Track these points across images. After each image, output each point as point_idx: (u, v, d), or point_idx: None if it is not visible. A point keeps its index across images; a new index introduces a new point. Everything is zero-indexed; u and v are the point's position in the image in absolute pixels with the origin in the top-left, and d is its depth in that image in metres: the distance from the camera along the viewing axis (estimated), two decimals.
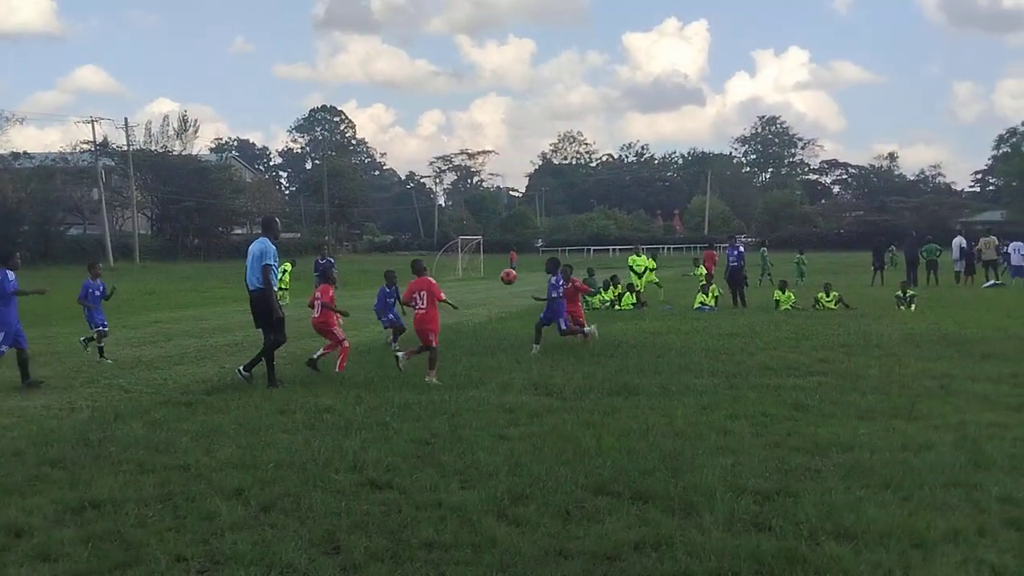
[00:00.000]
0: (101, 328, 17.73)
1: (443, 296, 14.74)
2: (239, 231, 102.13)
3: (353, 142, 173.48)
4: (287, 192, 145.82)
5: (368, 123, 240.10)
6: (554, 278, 17.64)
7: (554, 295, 17.82)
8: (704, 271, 33.07)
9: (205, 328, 24.29)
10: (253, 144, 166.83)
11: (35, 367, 16.42)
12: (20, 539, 6.84)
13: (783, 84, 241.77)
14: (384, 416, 11.22)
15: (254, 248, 13.92)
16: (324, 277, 19.70)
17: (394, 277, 18.03)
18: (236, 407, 12.04)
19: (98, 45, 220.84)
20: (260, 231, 14.92)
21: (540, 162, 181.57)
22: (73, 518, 7.34)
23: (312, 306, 15.73)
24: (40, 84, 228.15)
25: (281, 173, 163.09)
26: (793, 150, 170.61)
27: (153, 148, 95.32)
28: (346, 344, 15.67)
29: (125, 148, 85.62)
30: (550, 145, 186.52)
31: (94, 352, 17.57)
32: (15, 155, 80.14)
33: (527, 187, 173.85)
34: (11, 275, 14.44)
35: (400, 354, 14.68)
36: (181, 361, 17.41)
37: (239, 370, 14.13)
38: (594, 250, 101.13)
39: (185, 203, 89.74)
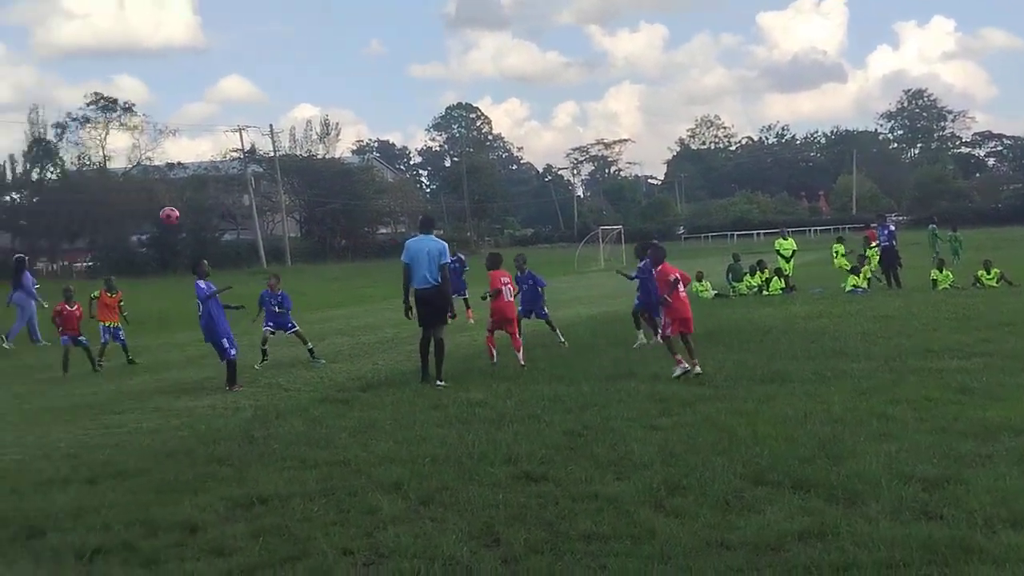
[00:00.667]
0: (290, 328, 17.97)
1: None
2: (384, 231, 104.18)
3: (489, 138, 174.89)
4: (428, 190, 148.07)
5: (503, 118, 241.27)
6: (642, 262, 17.01)
7: (633, 275, 17.38)
8: (844, 250, 32.51)
9: (356, 326, 24.87)
10: (393, 144, 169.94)
11: (198, 370, 17.18)
12: (194, 534, 7.13)
13: (928, 55, 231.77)
14: (535, 409, 11.27)
15: (430, 247, 13.90)
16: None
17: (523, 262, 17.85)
18: (391, 403, 12.29)
19: (240, 56, 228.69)
20: (418, 230, 15.04)
21: (678, 148, 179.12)
22: (243, 513, 7.62)
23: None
24: (189, 96, 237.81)
25: (421, 172, 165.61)
26: (943, 123, 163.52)
27: (298, 153, 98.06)
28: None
29: (272, 154, 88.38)
30: (687, 130, 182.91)
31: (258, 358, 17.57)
32: (170, 165, 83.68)
33: (665, 174, 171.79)
34: (202, 283, 14.90)
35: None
36: (336, 359, 17.87)
37: (438, 383, 13.66)
38: (738, 235, 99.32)
39: (331, 205, 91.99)
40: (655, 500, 7.35)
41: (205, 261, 15.72)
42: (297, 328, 17.87)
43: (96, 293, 19.32)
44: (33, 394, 15.42)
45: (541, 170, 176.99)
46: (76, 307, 18.47)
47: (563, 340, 17.13)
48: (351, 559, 6.46)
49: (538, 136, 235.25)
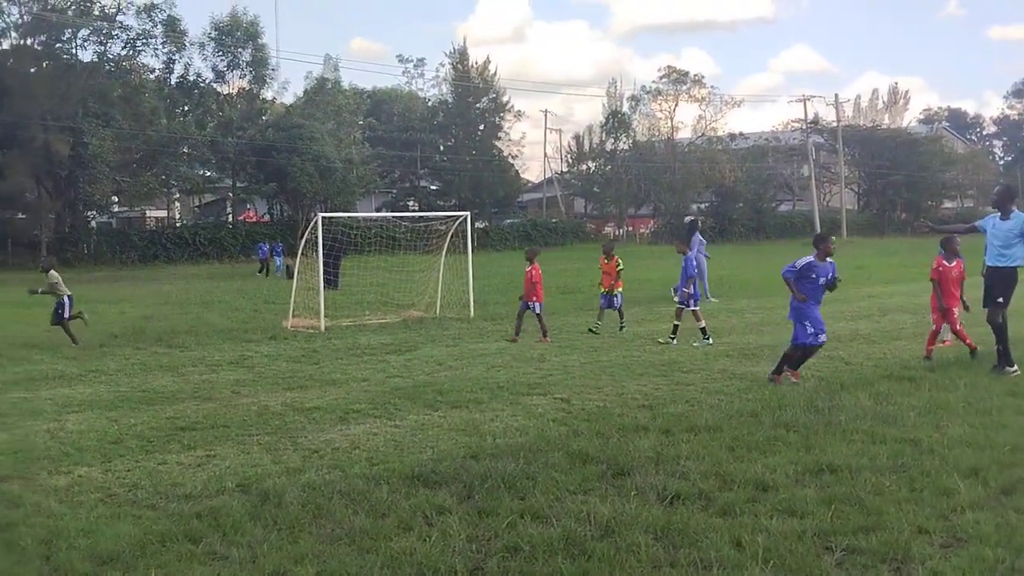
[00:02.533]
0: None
1: None
2: (949, 205, 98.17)
3: None
4: (1001, 162, 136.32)
5: None
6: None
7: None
8: None
9: (919, 304, 23.69)
10: (965, 113, 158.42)
11: (758, 335, 17.58)
12: (766, 492, 7.40)
13: None
14: None
15: (1013, 225, 12.74)
16: None
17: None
18: (963, 386, 11.68)
19: (808, 26, 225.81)
20: (993, 204, 13.67)
21: None
22: (812, 479, 7.75)
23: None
24: (754, 67, 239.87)
25: (995, 142, 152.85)
26: None
27: (862, 123, 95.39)
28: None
29: (834, 124, 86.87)
30: None
31: None
32: (732, 136, 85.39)
33: None
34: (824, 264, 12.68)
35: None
36: (898, 336, 17.34)
37: (1007, 369, 12.61)
38: None
39: (892, 177, 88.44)
40: None
41: (832, 238, 13.36)
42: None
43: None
44: (605, 348, 16.74)
45: None
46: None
47: None
48: (927, 538, 6.33)
49: None
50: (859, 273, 34.96)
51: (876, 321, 20.07)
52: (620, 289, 19.62)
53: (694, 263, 17.80)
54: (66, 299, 18.12)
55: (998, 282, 12.84)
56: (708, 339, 16.81)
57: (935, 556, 6.02)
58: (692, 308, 17.22)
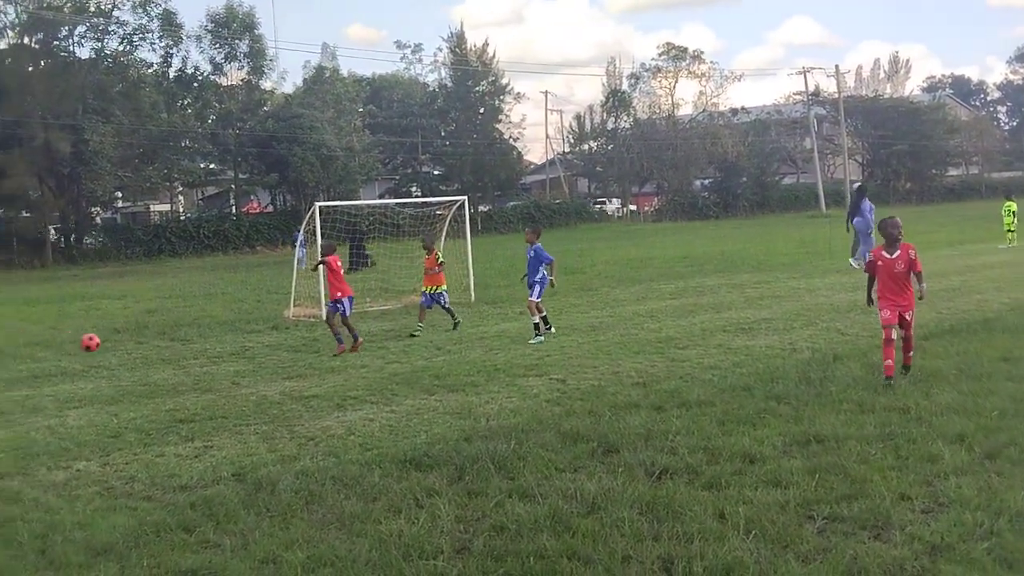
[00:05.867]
0: None
1: None
2: (953, 172, 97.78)
3: None
4: (1006, 128, 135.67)
5: None
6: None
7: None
8: None
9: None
10: (968, 80, 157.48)
11: (756, 310, 17.64)
12: (752, 465, 7.49)
13: None
14: None
15: None
16: None
17: None
18: (955, 353, 11.74)
19: None
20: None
21: None
22: (799, 450, 7.84)
23: None
24: (753, 40, 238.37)
25: (999, 108, 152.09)
26: None
27: (864, 93, 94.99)
28: None
29: (835, 96, 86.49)
30: None
31: None
32: (733, 111, 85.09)
33: None
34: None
35: None
36: None
37: None
38: None
39: (896, 147, 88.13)
40: None
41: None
42: None
43: None
44: (604, 328, 16.79)
45: None
46: None
47: None
48: (908, 504, 6.41)
49: None
50: None
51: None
52: (444, 287, 17.92)
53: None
54: None
55: None
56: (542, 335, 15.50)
57: (916, 521, 6.12)
58: None
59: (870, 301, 11.26)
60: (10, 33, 52.47)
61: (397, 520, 6.59)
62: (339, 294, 15.40)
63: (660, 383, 11.13)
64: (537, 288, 15.73)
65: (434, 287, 17.67)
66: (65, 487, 8.01)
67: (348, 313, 15.44)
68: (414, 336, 16.56)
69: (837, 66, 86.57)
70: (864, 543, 5.82)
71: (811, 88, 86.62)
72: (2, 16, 51.89)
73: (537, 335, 15.31)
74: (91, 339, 16.16)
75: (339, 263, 16.00)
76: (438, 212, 25.09)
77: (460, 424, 9.59)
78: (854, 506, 6.38)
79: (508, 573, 5.70)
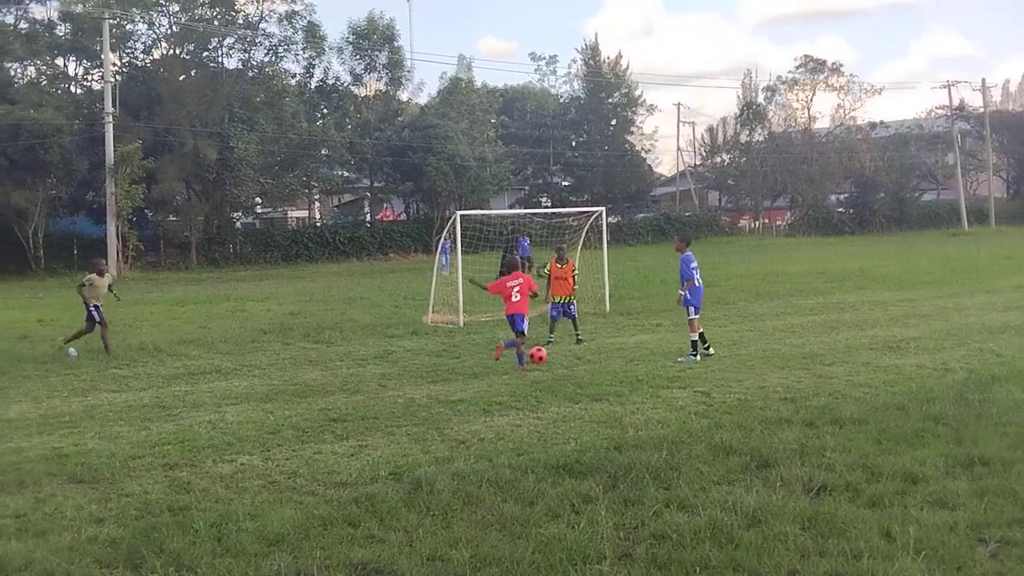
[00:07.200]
0: None
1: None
2: None
3: None
4: None
5: None
6: None
7: None
8: None
9: None
10: None
11: (903, 329, 17.17)
12: (915, 485, 7.34)
13: None
14: None
15: None
16: None
17: None
18: None
19: (951, 9, 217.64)
20: None
21: None
22: (963, 472, 7.64)
23: None
24: (894, 53, 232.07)
25: None
26: None
27: (1011, 108, 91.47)
28: None
29: (981, 110, 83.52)
30: None
31: None
32: (872, 125, 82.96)
33: None
34: None
35: None
36: None
37: None
38: None
39: None
40: None
41: None
42: None
43: None
44: (744, 342, 16.59)
45: None
46: None
47: None
48: None
49: None
50: (1009, 264, 33.63)
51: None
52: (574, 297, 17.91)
53: None
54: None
55: None
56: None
57: None
58: None
59: None
60: (163, 44, 54.80)
61: (557, 524, 6.68)
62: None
63: (809, 399, 10.97)
64: (692, 308, 14.94)
65: (565, 297, 17.57)
66: (232, 479, 8.34)
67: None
68: (551, 343, 16.62)
69: (983, 80, 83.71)
70: None
71: (955, 102, 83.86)
72: (156, 28, 54.26)
73: (692, 354, 14.66)
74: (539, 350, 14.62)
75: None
76: (572, 222, 25.18)
77: (608, 433, 9.64)
78: None
79: None
